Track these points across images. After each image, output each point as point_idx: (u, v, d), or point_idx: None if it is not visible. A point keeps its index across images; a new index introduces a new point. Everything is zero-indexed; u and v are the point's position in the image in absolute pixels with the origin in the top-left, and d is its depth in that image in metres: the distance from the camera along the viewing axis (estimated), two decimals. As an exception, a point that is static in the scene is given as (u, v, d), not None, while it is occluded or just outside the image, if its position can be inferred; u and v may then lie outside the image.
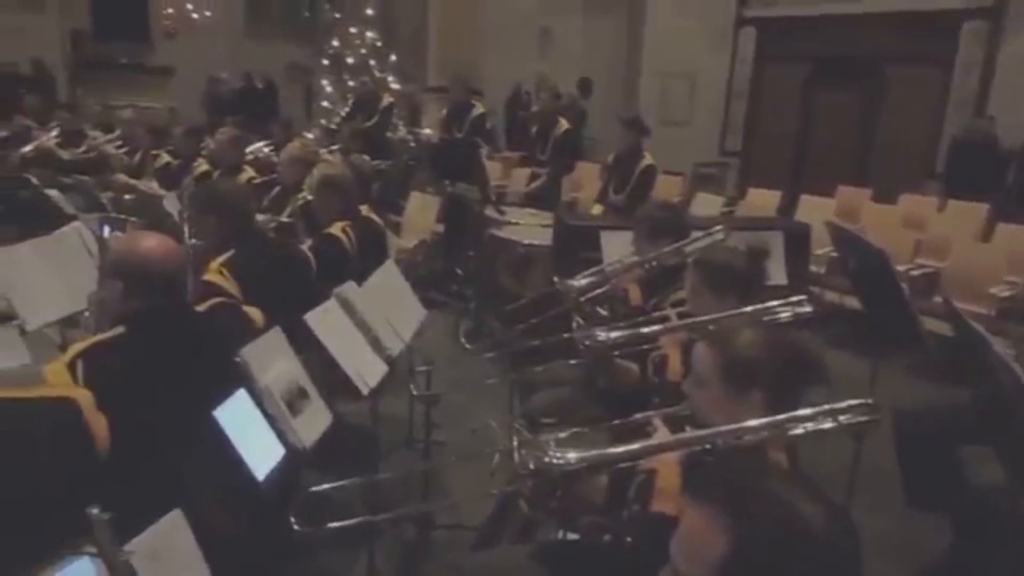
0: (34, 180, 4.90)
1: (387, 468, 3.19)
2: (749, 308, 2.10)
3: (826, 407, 1.51)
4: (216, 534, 1.59)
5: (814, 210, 6.39)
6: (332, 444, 2.22)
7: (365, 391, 2.39)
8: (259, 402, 1.92)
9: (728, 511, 0.91)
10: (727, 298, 2.26)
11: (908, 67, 8.38)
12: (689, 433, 1.57)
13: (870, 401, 1.52)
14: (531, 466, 1.46)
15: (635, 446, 1.48)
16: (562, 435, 1.62)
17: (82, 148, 6.55)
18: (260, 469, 1.82)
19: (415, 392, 2.93)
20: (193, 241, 2.93)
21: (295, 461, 1.98)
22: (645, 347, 2.27)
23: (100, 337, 1.86)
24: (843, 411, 1.50)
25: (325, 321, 2.37)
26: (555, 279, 2.80)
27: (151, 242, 1.95)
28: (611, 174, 5.66)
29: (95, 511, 1.29)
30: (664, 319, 2.41)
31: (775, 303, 2.17)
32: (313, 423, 2.08)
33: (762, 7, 9.61)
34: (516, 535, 2.23)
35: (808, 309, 2.14)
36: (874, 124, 8.83)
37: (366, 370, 2.47)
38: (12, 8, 10.68)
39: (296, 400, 2.04)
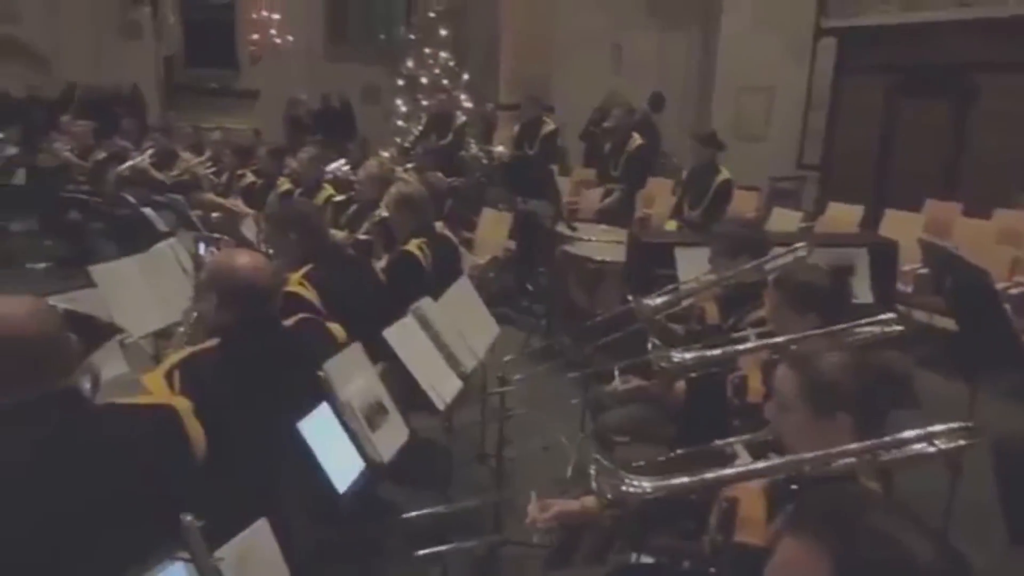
0: (131, 198, 5.19)
1: (458, 483, 3.21)
2: (834, 328, 2.03)
3: (922, 431, 1.44)
4: (298, 544, 1.64)
5: (900, 225, 6.13)
6: (407, 458, 2.26)
7: (441, 406, 2.42)
8: (340, 416, 1.97)
9: (830, 544, 0.87)
10: (809, 317, 2.19)
11: (999, 75, 7.97)
12: (774, 460, 1.52)
13: (970, 424, 1.45)
14: (608, 496, 1.44)
15: (713, 475, 1.45)
16: (641, 462, 1.60)
17: (174, 169, 6.90)
18: (340, 482, 1.86)
19: (488, 408, 2.95)
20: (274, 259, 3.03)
21: (373, 475, 2.01)
22: (724, 368, 2.22)
23: (196, 348, 1.96)
24: (940, 435, 1.43)
25: (403, 337, 2.42)
26: (629, 297, 2.77)
27: (244, 259, 2.05)
28: (686, 190, 5.59)
29: (188, 518, 1.34)
30: (743, 339, 2.35)
31: (861, 322, 2.09)
32: (391, 438, 2.12)
33: (843, 17, 9.34)
34: (589, 556, 2.21)
35: (897, 328, 2.05)
36: (963, 135, 8.42)
37: (442, 385, 2.50)
38: (113, 36, 11.39)
39: (375, 415, 2.08)
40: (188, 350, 1.94)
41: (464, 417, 3.53)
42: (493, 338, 3.23)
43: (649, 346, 2.18)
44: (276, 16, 13.22)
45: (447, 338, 2.68)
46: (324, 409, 1.93)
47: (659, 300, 2.70)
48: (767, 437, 1.67)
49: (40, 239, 6.84)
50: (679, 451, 1.90)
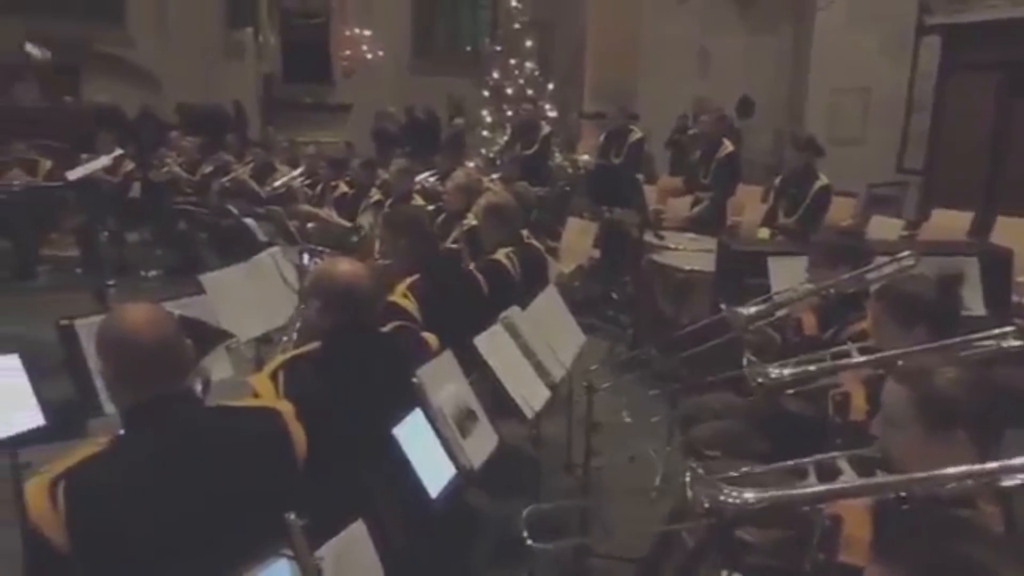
0: (234, 210, 5.47)
1: (546, 493, 3.20)
2: (947, 341, 1.92)
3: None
4: (392, 547, 1.68)
5: (1015, 232, 5.73)
6: (496, 465, 2.27)
7: (530, 415, 2.43)
8: (432, 422, 2.00)
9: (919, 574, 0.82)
10: (916, 330, 2.09)
11: None
12: (883, 478, 1.45)
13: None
14: (705, 504, 1.41)
15: (821, 488, 1.39)
16: (735, 473, 1.56)
17: (274, 182, 7.22)
18: (433, 487, 1.90)
19: (575, 418, 2.94)
20: (381, 261, 3.13)
21: (464, 480, 2.04)
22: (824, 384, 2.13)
23: (299, 351, 2.08)
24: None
25: (492, 345, 2.44)
26: (722, 306, 2.71)
27: (346, 266, 2.16)
28: (779, 196, 5.42)
29: (292, 516, 1.40)
30: (844, 353, 2.25)
31: (976, 336, 1.97)
32: (481, 445, 2.14)
33: (947, 14, 8.86)
34: (678, 572, 2.17)
35: (1017, 343, 1.92)
36: (1085, 136, 7.84)
37: (530, 394, 2.51)
38: (218, 56, 12.08)
39: (466, 422, 2.11)
40: (292, 352, 2.05)
41: (550, 426, 3.53)
42: (579, 347, 3.22)
43: (744, 360, 2.12)
44: (367, 32, 13.68)
45: (535, 347, 2.68)
46: (417, 415, 1.97)
47: (753, 309, 2.63)
48: (875, 454, 1.60)
49: (153, 249, 7.28)
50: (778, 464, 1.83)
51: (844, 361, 2.13)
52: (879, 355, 2.03)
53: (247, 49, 11.85)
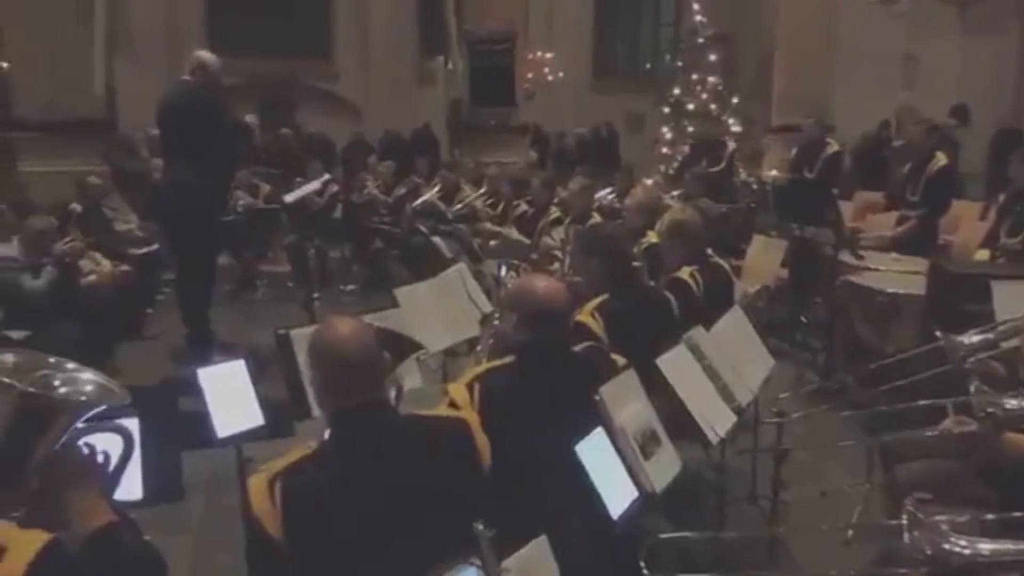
0: (423, 229, 5.80)
1: (729, 522, 3.06)
2: None
3: None
4: (572, 565, 1.67)
5: None
6: (678, 491, 2.20)
7: (715, 440, 2.34)
8: (614, 441, 1.98)
9: None
10: None
11: None
12: None
13: None
14: (927, 551, 1.27)
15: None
16: (960, 519, 1.39)
17: (459, 202, 7.58)
18: (615, 508, 1.87)
19: (761, 447, 2.78)
20: (571, 278, 3.17)
21: (645, 504, 1.99)
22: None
23: (494, 363, 2.15)
24: None
25: (676, 366, 2.38)
26: (937, 333, 2.45)
27: (543, 282, 2.20)
28: (1003, 215, 4.84)
29: (480, 526, 1.43)
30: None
31: None
32: (664, 469, 2.08)
33: None
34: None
35: None
36: None
37: (715, 418, 2.41)
38: (411, 84, 13.00)
39: (648, 443, 2.06)
40: (487, 365, 2.12)
41: (734, 453, 3.37)
42: (768, 372, 3.06)
43: (971, 388, 1.89)
44: (549, 55, 14.02)
45: (720, 369, 2.58)
46: (599, 433, 1.96)
47: (976, 339, 2.35)
48: None
49: (351, 265, 7.90)
50: (1012, 514, 1.61)
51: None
52: None
53: (438, 77, 12.60)
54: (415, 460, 1.63)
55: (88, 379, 1.44)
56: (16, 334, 3.98)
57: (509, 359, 2.12)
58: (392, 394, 2.08)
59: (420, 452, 1.64)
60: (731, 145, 7.55)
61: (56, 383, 1.40)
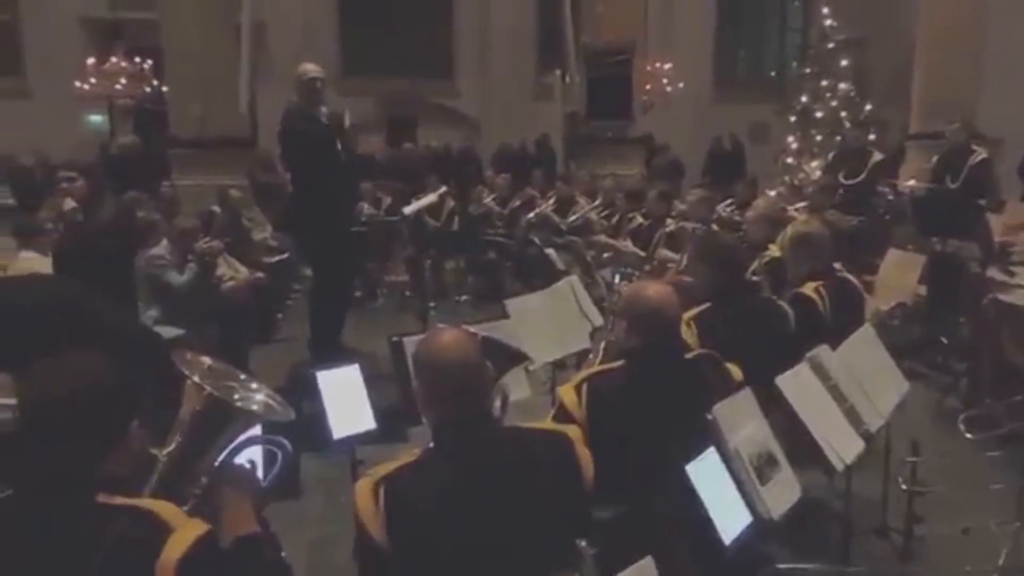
0: (536, 240, 5.81)
1: (856, 556, 2.85)
2: None
3: None
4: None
5: None
6: (798, 519, 2.07)
7: (840, 467, 2.19)
8: (728, 463, 1.89)
9: None
10: None
11: None
12: None
13: None
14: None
15: None
16: None
17: (574, 214, 7.56)
18: (727, 532, 1.78)
19: (901, 483, 2.57)
20: (683, 277, 3.11)
21: (761, 531, 1.89)
22: None
23: (603, 366, 2.17)
24: None
25: (797, 386, 2.25)
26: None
27: (656, 289, 2.20)
28: None
29: (583, 543, 1.40)
30: None
31: None
32: (781, 494, 1.97)
33: None
34: None
35: None
36: None
37: (840, 443, 2.26)
38: (528, 98, 13.21)
39: (765, 467, 1.96)
40: (596, 368, 2.13)
41: (861, 483, 3.15)
42: (902, 396, 2.83)
43: None
44: (668, 66, 13.78)
45: (847, 391, 2.42)
46: (712, 454, 1.87)
47: None
48: None
49: (466, 276, 8.04)
50: None
51: None
52: None
53: (555, 90, 12.72)
54: (514, 474, 1.60)
55: (260, 398, 1.60)
56: (169, 332, 4.24)
57: (619, 363, 2.12)
58: (497, 403, 2.08)
59: (519, 466, 1.62)
60: (876, 155, 7.09)
61: (236, 396, 1.56)
